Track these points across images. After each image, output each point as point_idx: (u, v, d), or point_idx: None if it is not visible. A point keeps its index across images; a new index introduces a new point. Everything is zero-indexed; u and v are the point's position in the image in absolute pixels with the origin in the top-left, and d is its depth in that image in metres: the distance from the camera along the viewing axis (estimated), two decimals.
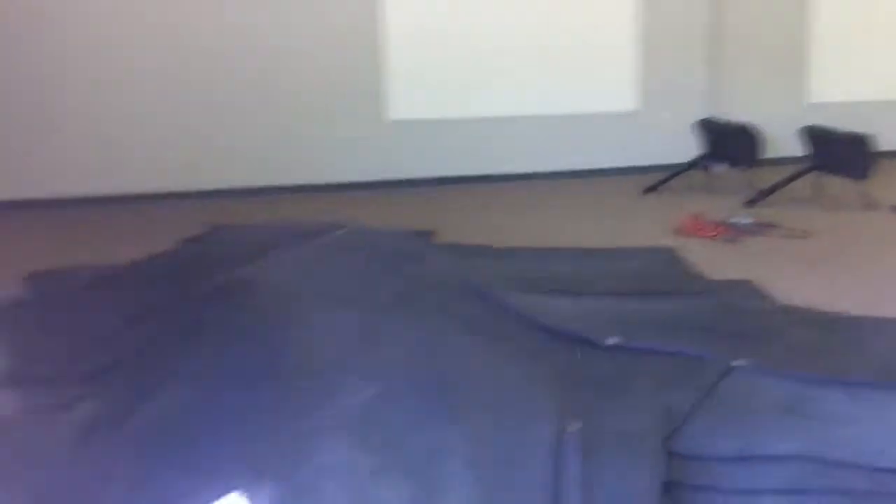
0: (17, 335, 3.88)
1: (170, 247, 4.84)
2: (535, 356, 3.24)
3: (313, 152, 7.08)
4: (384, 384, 2.60)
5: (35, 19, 6.35)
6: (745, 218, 5.97)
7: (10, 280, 4.65)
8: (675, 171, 7.22)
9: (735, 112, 7.50)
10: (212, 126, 6.81)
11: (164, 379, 3.09)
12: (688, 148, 7.48)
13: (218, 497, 2.18)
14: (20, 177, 6.48)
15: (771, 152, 7.07)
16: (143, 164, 6.73)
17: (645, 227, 6.08)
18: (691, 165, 7.30)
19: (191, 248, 4.59)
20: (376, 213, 6.47)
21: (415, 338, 2.87)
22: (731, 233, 5.73)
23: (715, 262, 5.12)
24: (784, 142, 7.22)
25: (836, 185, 6.70)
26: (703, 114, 7.65)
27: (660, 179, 7.16)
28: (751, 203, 6.53)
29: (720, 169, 7.34)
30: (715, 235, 5.71)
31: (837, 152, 6.60)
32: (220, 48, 6.73)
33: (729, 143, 7.16)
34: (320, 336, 2.93)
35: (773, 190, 6.62)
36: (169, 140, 6.75)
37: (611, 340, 3.50)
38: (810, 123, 6.91)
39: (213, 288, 3.70)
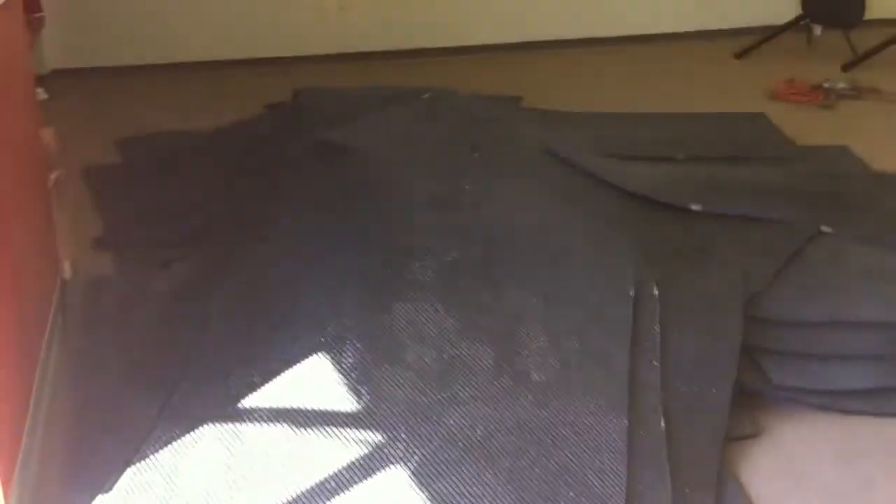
0: (112, 199, 4.02)
1: (256, 112, 4.91)
2: (615, 219, 3.23)
3: (399, 16, 6.97)
4: (463, 248, 2.64)
5: None
6: (842, 82, 5.74)
7: (101, 145, 4.79)
8: (769, 34, 6.92)
9: None
10: None
11: (255, 240, 3.19)
12: (783, 8, 7.15)
13: (302, 357, 2.28)
14: (104, 43, 6.55)
15: (874, 12, 6.71)
16: (227, 30, 6.73)
17: (736, 91, 5.90)
18: (787, 27, 6.99)
19: (277, 113, 4.64)
20: (467, 77, 6.41)
21: (494, 202, 2.89)
22: (828, 98, 5.53)
23: (809, 127, 4.97)
24: (889, 1, 6.84)
25: None
26: None
27: (753, 43, 6.89)
28: (850, 66, 6.25)
29: (818, 30, 7.02)
30: (810, 100, 5.51)
31: None
32: None
33: (828, 2, 6.81)
34: (405, 201, 2.97)
35: (874, 52, 6.31)
36: (251, 3, 6.71)
37: (694, 206, 3.46)
38: None
39: (302, 151, 3.76)
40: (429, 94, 4.08)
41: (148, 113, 5.63)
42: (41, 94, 5.93)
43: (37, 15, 5.96)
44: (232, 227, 3.47)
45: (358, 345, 2.29)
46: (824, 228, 3.39)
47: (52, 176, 3.19)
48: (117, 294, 3.15)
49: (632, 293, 2.50)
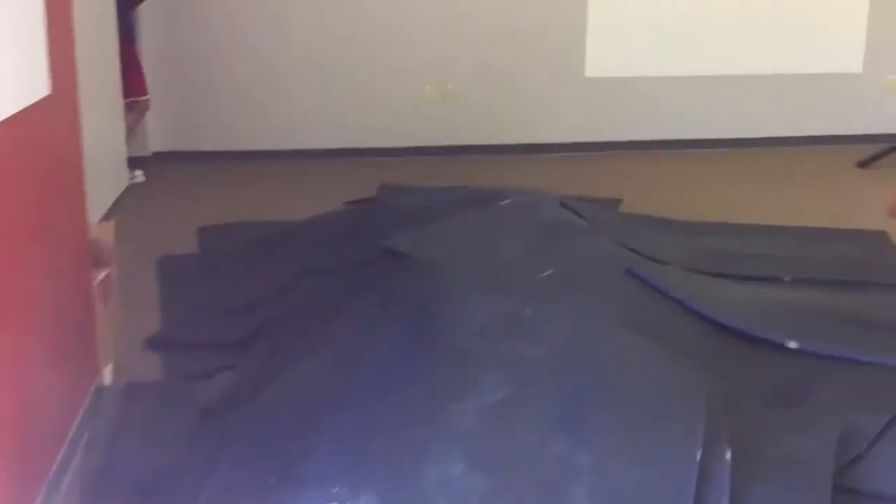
0: (177, 294, 3.90)
1: (338, 207, 4.77)
2: (696, 355, 2.89)
3: (500, 110, 6.81)
4: (516, 386, 2.36)
5: None
6: None
7: (185, 232, 4.73)
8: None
9: None
10: (387, 83, 6.66)
11: (302, 354, 2.98)
12: None
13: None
14: (205, 128, 6.60)
15: None
16: (325, 119, 6.69)
17: (857, 205, 5.46)
18: None
19: (357, 210, 4.48)
20: (563, 177, 6.17)
21: (555, 331, 2.59)
22: None
23: None
24: None
25: None
26: None
27: (878, 151, 6.42)
28: None
29: None
30: None
31: None
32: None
33: None
34: (458, 325, 2.71)
35: None
36: (347, 96, 6.67)
37: (791, 344, 3.08)
38: None
39: (369, 256, 3.57)
40: (511, 199, 3.83)
41: (238, 200, 5.60)
42: (139, 177, 5.99)
43: (142, 98, 6.04)
44: (286, 335, 3.27)
45: (372, 499, 2.02)
46: None
47: (101, 274, 3.05)
48: (151, 404, 2.97)
49: (699, 456, 2.16)
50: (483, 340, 2.60)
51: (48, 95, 2.45)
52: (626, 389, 2.41)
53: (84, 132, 4.82)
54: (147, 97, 6.09)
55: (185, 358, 3.38)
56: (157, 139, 6.47)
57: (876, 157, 6.39)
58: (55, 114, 2.60)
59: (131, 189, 5.70)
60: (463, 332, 2.67)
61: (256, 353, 3.23)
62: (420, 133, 6.71)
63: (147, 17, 6.21)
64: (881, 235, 4.73)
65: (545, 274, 3.07)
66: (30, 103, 2.29)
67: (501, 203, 3.76)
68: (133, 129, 6.09)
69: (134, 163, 6.07)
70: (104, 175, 5.13)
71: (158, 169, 6.29)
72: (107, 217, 4.96)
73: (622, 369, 2.50)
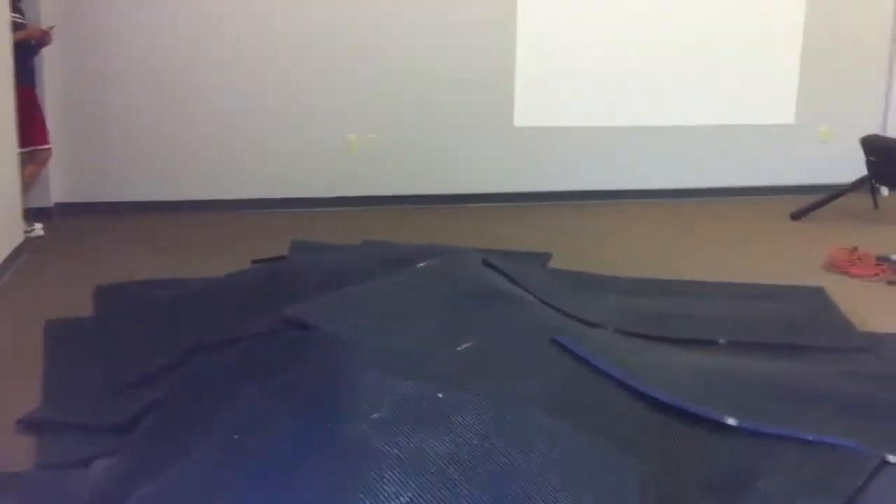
0: (61, 366, 3.53)
1: (247, 265, 4.44)
2: (626, 436, 2.61)
3: (425, 160, 6.56)
4: (421, 490, 2.04)
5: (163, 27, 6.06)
6: None
7: (80, 293, 4.35)
8: (830, 194, 6.34)
9: None
10: (307, 131, 6.38)
11: (186, 445, 2.63)
12: (847, 167, 6.58)
13: None
14: (107, 178, 6.22)
15: None
16: (237, 169, 6.36)
17: (791, 258, 5.30)
18: (851, 188, 6.40)
19: (264, 271, 4.15)
20: (491, 228, 5.93)
21: (473, 422, 2.29)
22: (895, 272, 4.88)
23: (874, 308, 4.33)
24: None
25: None
26: (869, 130, 6.71)
27: (812, 202, 6.31)
28: None
29: (885, 192, 6.43)
30: (875, 274, 4.88)
31: None
32: (333, 49, 6.30)
33: None
34: (367, 410, 2.39)
35: None
36: (270, 145, 6.36)
37: (730, 420, 2.83)
38: None
39: (270, 326, 3.23)
40: (428, 261, 3.54)
41: (143, 254, 5.24)
42: (38, 230, 5.59)
43: (42, 147, 5.65)
44: (173, 419, 2.92)
45: None
46: (891, 458, 2.72)
47: None
48: (18, 499, 2.59)
49: None
50: (387, 432, 2.29)
51: None
52: (548, 488, 2.12)
53: None
54: (48, 146, 5.71)
55: (60, 442, 3.00)
56: (59, 190, 6.08)
57: (810, 209, 6.28)
58: None
59: (28, 243, 5.29)
60: (365, 422, 2.35)
61: (139, 439, 2.87)
62: (341, 183, 6.43)
63: (50, 64, 5.85)
64: (818, 292, 4.55)
65: (462, 347, 2.78)
66: None
67: (418, 266, 3.46)
68: (33, 179, 5.70)
69: (34, 214, 5.68)
70: None
71: (60, 221, 5.91)
72: None
73: (544, 464, 2.20)
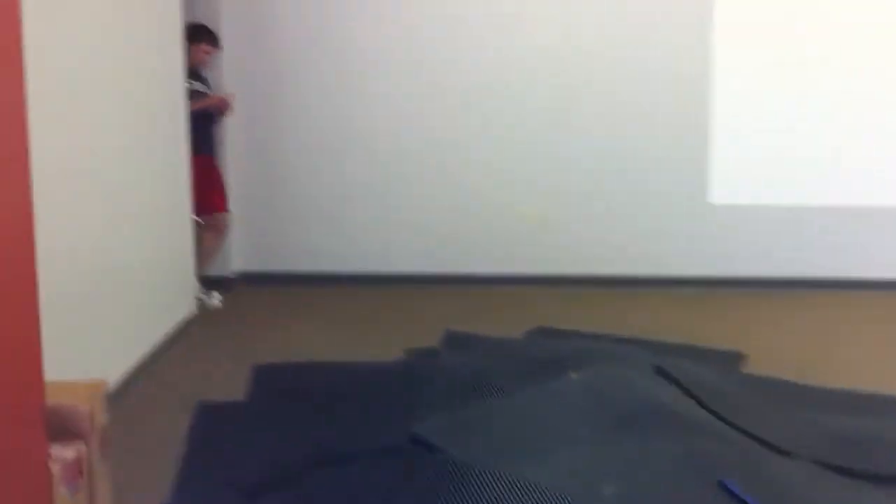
0: (198, 457, 3.39)
1: (402, 356, 4.21)
2: None
3: (603, 238, 6.14)
4: None
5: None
6: None
7: (241, 371, 4.26)
8: None
9: None
10: (478, 203, 6.12)
11: None
12: None
13: None
14: (284, 250, 6.20)
15: None
16: (416, 243, 6.19)
17: None
18: None
19: (410, 367, 3.89)
20: (675, 317, 5.43)
21: None
22: None
23: None
24: None
25: None
26: None
27: None
28: None
29: None
30: None
31: None
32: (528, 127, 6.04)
33: None
34: None
35: None
36: (446, 217, 6.15)
37: None
38: None
39: (400, 440, 2.95)
40: (583, 372, 3.15)
41: (305, 331, 5.14)
42: (215, 300, 5.58)
43: (222, 215, 5.70)
44: None
45: None
46: None
47: (69, 451, 2.54)
48: None
49: None
50: None
51: None
52: None
53: (145, 252, 4.50)
54: (228, 214, 5.75)
55: None
56: (242, 259, 6.11)
57: None
58: None
59: (202, 314, 5.30)
60: None
61: None
62: (512, 260, 6.12)
63: (232, 132, 5.92)
64: None
65: (608, 493, 2.36)
66: None
67: (571, 376, 3.07)
68: (213, 247, 5.74)
69: (215, 283, 5.72)
70: (163, 299, 4.75)
71: (241, 291, 5.93)
72: (161, 349, 4.56)
73: None
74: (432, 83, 6.00)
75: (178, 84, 4.93)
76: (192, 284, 5.21)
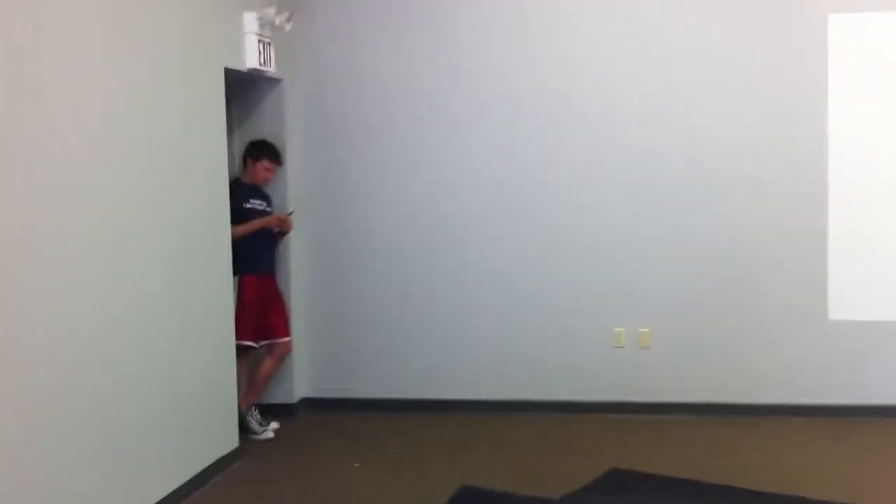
0: None
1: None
2: None
3: (715, 361, 5.38)
4: None
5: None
6: None
7: None
8: None
9: None
10: (566, 324, 5.51)
11: None
12: None
13: None
14: (348, 376, 5.76)
15: None
16: (491, 369, 5.61)
17: None
18: None
19: None
20: (789, 454, 4.62)
21: None
22: None
23: None
24: None
25: None
26: None
27: None
28: None
29: None
30: None
31: None
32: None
33: None
34: None
35: None
36: (525, 340, 5.57)
37: None
38: None
39: None
40: None
41: (351, 470, 4.61)
42: (269, 431, 5.15)
43: (280, 340, 5.32)
44: None
45: None
46: None
47: None
48: None
49: None
50: None
51: None
52: None
53: (181, 382, 4.15)
54: (288, 339, 5.38)
55: None
56: (304, 385, 5.71)
57: None
58: None
59: (249, 447, 4.87)
60: None
61: None
62: (601, 387, 5.44)
63: (295, 251, 5.60)
64: None
65: None
66: None
67: None
68: (271, 374, 5.37)
69: (277, 411, 5.33)
70: (199, 433, 4.35)
71: (304, 418, 5.51)
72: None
73: None
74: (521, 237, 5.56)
75: (222, 206, 4.70)
76: (233, 420, 4.78)
